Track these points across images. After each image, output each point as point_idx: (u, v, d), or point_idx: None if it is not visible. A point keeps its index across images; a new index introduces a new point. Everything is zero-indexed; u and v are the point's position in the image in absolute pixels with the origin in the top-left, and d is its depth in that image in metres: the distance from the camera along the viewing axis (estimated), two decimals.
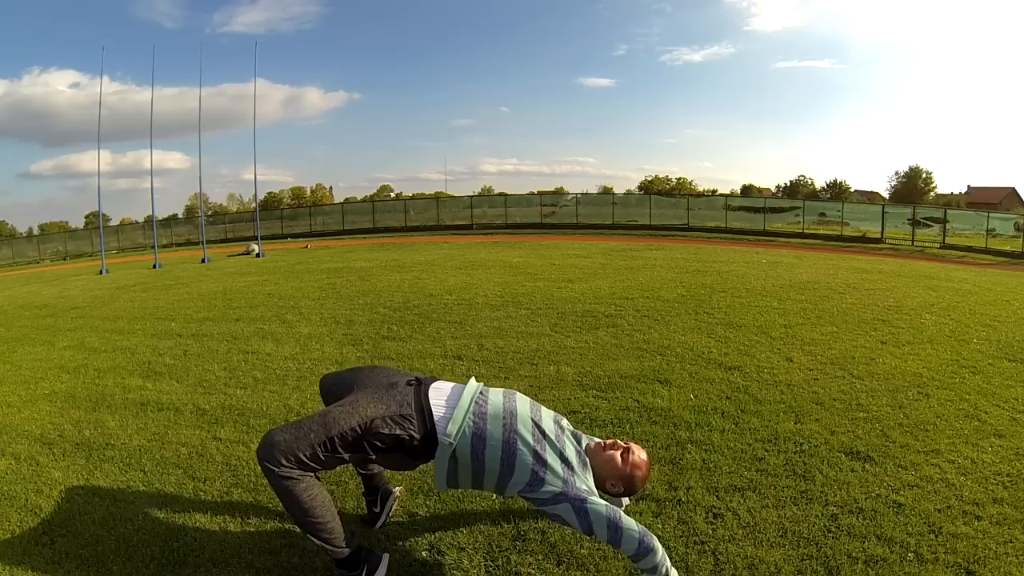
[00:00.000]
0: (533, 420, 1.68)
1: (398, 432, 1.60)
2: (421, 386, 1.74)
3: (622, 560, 1.76)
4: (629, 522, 1.57)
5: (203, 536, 1.98)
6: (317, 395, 3.28)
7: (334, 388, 1.90)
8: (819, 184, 53.04)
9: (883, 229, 20.06)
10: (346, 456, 1.61)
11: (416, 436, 1.62)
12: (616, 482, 1.73)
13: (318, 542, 1.60)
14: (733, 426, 2.68)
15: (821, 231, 22.01)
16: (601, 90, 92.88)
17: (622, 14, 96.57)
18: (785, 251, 13.05)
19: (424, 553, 1.86)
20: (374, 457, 1.67)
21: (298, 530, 1.97)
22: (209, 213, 41.20)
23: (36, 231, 47.06)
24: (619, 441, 1.81)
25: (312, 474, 1.59)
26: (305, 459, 1.54)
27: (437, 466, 1.65)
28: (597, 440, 1.86)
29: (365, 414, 1.60)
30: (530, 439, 1.62)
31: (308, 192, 58.78)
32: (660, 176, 56.95)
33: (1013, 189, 47.06)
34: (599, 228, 23.79)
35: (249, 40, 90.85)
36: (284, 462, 1.53)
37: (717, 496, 2.10)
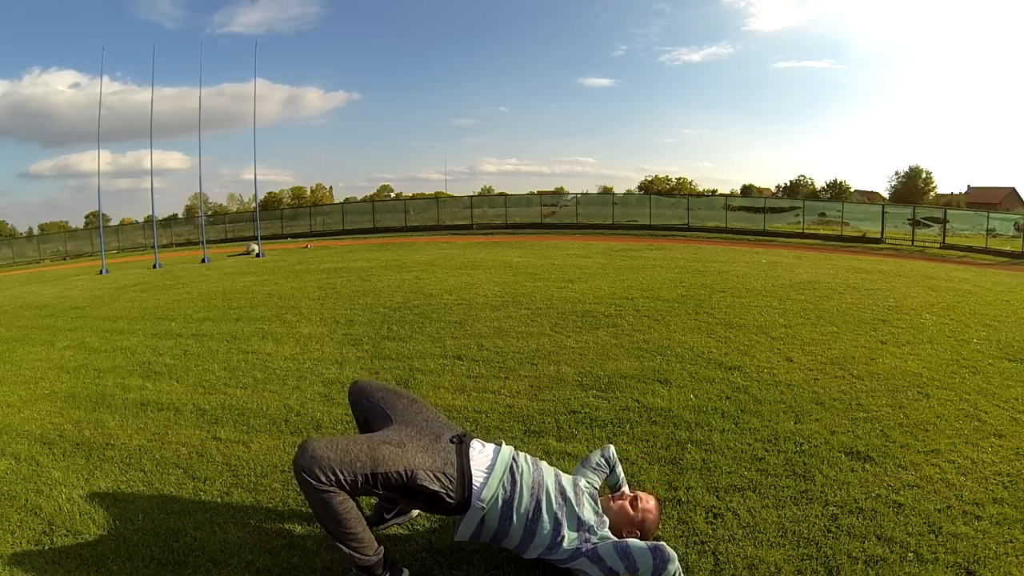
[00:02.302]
0: (558, 488, 1.77)
1: (437, 488, 1.64)
2: (462, 445, 1.79)
3: None
4: (636, 543, 1.64)
5: (203, 536, 1.98)
6: (317, 395, 3.30)
7: (366, 404, 1.93)
8: (819, 184, 53.10)
9: (883, 229, 20.08)
10: (382, 493, 1.64)
11: (453, 497, 1.67)
12: (631, 528, 1.80)
13: (347, 550, 1.61)
14: (733, 426, 2.68)
15: (821, 231, 22.03)
16: (601, 90, 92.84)
17: (621, 14, 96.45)
18: (785, 251, 13.05)
19: (424, 553, 1.86)
20: (404, 501, 1.72)
21: (297, 530, 1.98)
22: (209, 213, 41.21)
23: (36, 231, 47.11)
24: (626, 491, 1.96)
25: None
26: (344, 482, 1.56)
27: (465, 524, 1.70)
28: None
29: (413, 462, 1.64)
30: (554, 506, 1.71)
31: (308, 192, 58.81)
32: (660, 176, 57.03)
33: (1013, 189, 47.07)
34: (599, 228, 23.81)
35: (249, 40, 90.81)
36: (323, 479, 1.54)
37: (717, 496, 2.10)
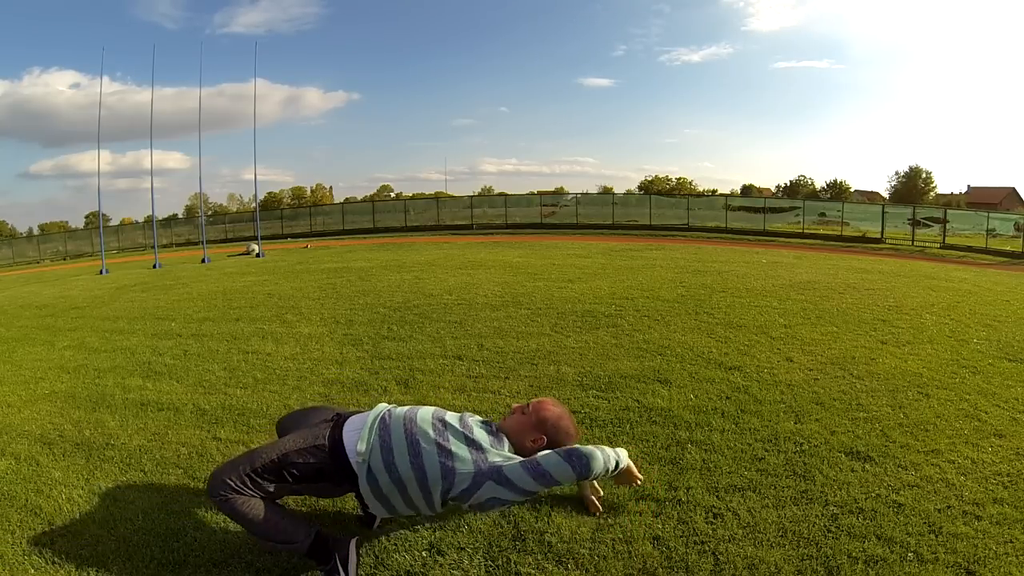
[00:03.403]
0: (435, 417, 1.81)
1: (311, 461, 1.75)
2: (339, 419, 1.88)
3: (622, 560, 1.77)
4: (548, 457, 1.63)
5: (203, 536, 1.98)
6: (317, 395, 3.31)
7: (299, 418, 2.07)
8: (819, 184, 53.17)
9: (883, 229, 20.07)
10: (268, 481, 1.73)
11: (328, 462, 1.75)
12: (534, 435, 1.79)
13: (279, 546, 1.72)
14: (733, 426, 2.68)
15: (821, 231, 22.03)
16: (601, 90, 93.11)
17: (621, 14, 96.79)
18: (785, 251, 13.05)
19: (424, 553, 1.86)
20: (299, 487, 1.80)
21: None
22: (209, 213, 41.23)
23: (36, 231, 47.21)
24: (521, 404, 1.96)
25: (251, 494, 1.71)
26: (237, 486, 1.69)
27: (363, 488, 1.75)
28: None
29: (284, 447, 1.77)
30: (431, 432, 1.75)
31: (308, 192, 58.90)
32: (660, 176, 57.20)
33: (1013, 189, 47.12)
34: (599, 228, 23.80)
35: (249, 41, 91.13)
36: (221, 491, 1.69)
37: (717, 496, 2.10)
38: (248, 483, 1.70)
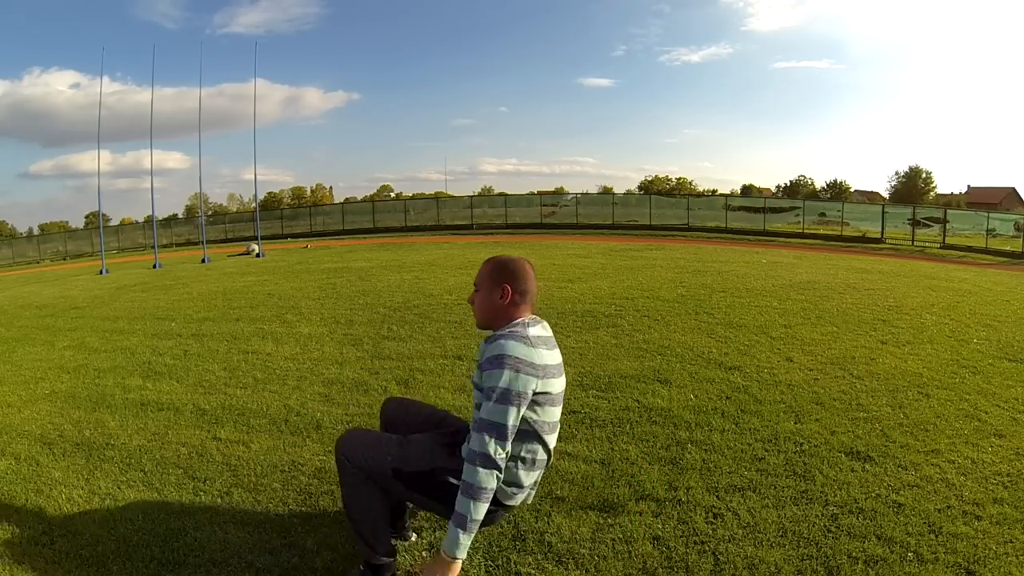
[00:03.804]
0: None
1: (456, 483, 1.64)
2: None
3: (622, 560, 1.77)
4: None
5: (203, 536, 1.98)
6: (317, 395, 3.30)
7: (401, 415, 1.95)
8: (819, 184, 53.22)
9: (883, 229, 20.05)
10: (405, 487, 1.66)
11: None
12: (495, 296, 1.84)
13: (360, 541, 1.67)
14: (733, 426, 2.68)
15: (821, 231, 22.00)
16: (601, 90, 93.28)
17: (621, 15, 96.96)
18: (785, 251, 13.04)
19: (424, 553, 1.86)
20: (427, 501, 1.70)
21: (297, 530, 1.98)
22: (209, 213, 41.25)
23: (36, 231, 47.28)
24: None
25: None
26: (371, 470, 1.64)
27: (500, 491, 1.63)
28: None
29: (435, 460, 1.68)
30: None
31: (308, 192, 58.96)
32: (660, 176, 57.22)
33: (1013, 189, 47.10)
34: (599, 228, 23.79)
35: (249, 41, 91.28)
36: (359, 463, 1.65)
37: (717, 496, 2.10)
38: (387, 474, 1.63)
